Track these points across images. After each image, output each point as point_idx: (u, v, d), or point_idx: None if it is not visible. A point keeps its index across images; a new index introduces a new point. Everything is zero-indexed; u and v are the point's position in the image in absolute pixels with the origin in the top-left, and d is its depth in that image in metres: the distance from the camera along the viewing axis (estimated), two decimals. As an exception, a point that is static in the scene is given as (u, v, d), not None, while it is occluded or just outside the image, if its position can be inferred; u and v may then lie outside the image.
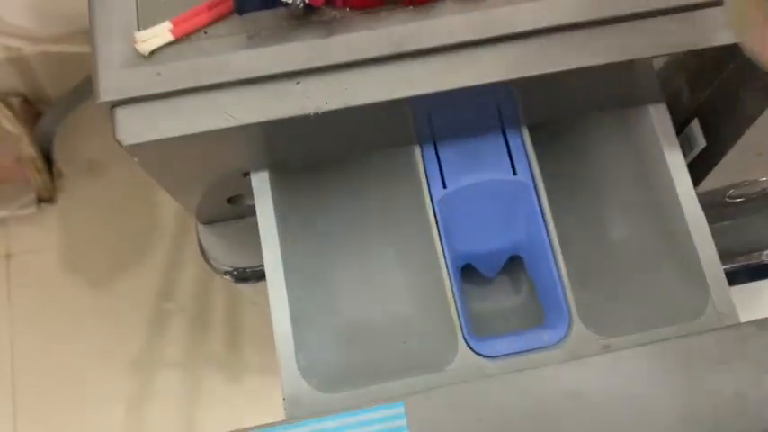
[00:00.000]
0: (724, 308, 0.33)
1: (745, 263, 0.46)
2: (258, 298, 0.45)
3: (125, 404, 0.84)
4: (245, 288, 0.43)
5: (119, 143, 0.30)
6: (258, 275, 0.42)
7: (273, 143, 0.33)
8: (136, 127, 0.30)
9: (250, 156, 0.34)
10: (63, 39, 0.81)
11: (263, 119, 0.30)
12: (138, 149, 0.30)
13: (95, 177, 0.94)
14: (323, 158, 0.36)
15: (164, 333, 0.88)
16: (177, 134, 0.30)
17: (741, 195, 0.41)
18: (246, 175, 0.35)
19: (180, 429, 0.83)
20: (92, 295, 0.89)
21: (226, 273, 0.42)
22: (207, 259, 0.42)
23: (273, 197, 0.35)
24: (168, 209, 0.92)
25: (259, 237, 0.40)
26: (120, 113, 0.30)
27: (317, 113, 0.30)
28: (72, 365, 0.85)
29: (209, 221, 0.42)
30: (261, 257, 0.41)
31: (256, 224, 0.41)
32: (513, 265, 0.38)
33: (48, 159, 0.89)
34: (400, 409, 0.27)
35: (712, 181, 0.38)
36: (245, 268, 0.42)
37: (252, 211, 0.41)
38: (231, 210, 0.40)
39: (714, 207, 0.39)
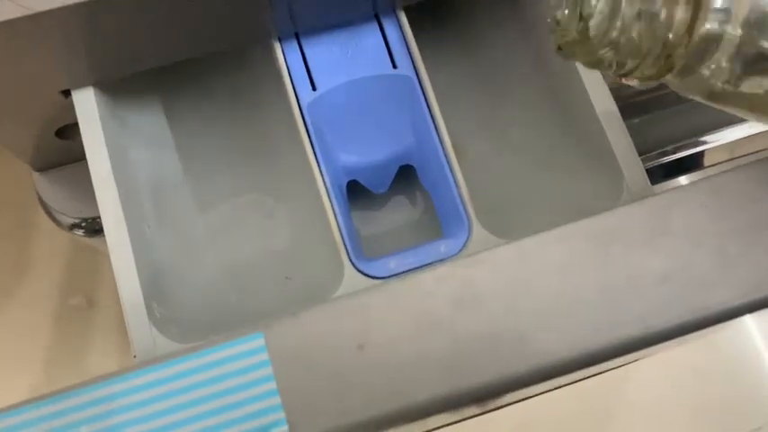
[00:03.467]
0: (640, 192, 0.29)
1: (655, 161, 0.43)
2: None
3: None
4: (101, 242, 0.36)
5: None
6: (113, 225, 0.35)
7: (87, 43, 0.26)
8: None
9: (63, 64, 0.27)
10: None
11: (58, 4, 0.24)
12: None
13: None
14: (160, 63, 0.30)
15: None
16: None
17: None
18: (68, 95, 0.29)
19: None
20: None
21: (73, 226, 0.35)
22: (50, 213, 0.35)
23: (103, 121, 0.29)
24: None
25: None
26: None
27: (128, -6, 0.24)
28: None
29: (45, 166, 0.35)
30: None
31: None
32: (404, 176, 0.33)
33: None
34: (260, 341, 0.21)
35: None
36: (95, 218, 0.35)
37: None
38: (66, 149, 0.33)
39: (618, 101, 0.35)
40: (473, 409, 0.25)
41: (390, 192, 0.33)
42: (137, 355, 0.26)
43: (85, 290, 0.82)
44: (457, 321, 0.22)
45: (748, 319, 0.76)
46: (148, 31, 0.27)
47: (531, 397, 0.37)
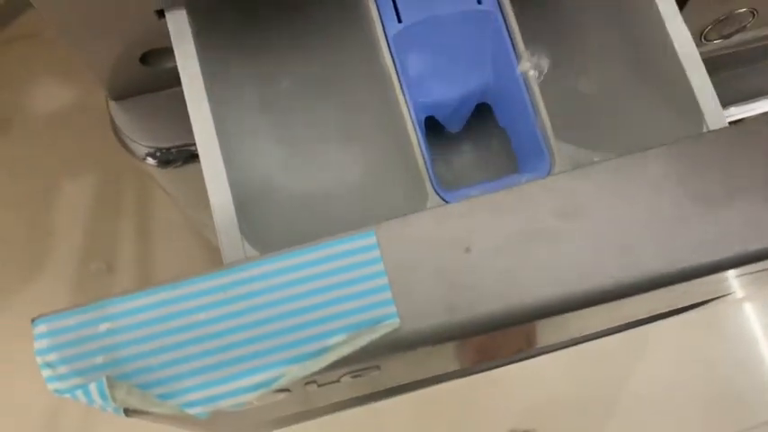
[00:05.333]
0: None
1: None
2: (177, 187, 0.39)
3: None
4: (166, 175, 0.37)
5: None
6: (185, 156, 0.36)
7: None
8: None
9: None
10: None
11: None
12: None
13: (2, 135, 0.86)
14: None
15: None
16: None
17: (719, 37, 0.37)
18: (162, 16, 0.29)
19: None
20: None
21: (147, 155, 0.36)
22: (122, 140, 0.36)
23: (196, 45, 0.29)
24: (80, 162, 0.84)
25: (182, 111, 0.35)
26: None
27: None
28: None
29: (122, 95, 0.35)
30: (184, 136, 0.35)
31: (176, 96, 0.35)
32: (478, 118, 0.34)
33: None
34: (372, 239, 0.22)
35: (689, 15, 0.34)
36: (168, 148, 0.36)
37: (170, 82, 0.35)
38: (147, 76, 0.34)
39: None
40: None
41: (463, 131, 0.34)
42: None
43: (105, 255, 0.83)
44: (561, 230, 0.22)
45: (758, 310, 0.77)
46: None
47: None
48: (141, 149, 0.36)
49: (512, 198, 0.22)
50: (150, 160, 0.36)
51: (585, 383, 0.76)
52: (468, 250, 0.22)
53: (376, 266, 0.21)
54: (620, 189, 0.23)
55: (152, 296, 0.21)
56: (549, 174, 0.29)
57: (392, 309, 0.21)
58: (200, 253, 0.78)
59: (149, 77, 0.34)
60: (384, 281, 0.21)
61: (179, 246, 0.79)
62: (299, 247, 0.22)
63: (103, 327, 0.21)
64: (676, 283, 0.23)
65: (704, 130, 0.29)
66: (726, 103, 0.42)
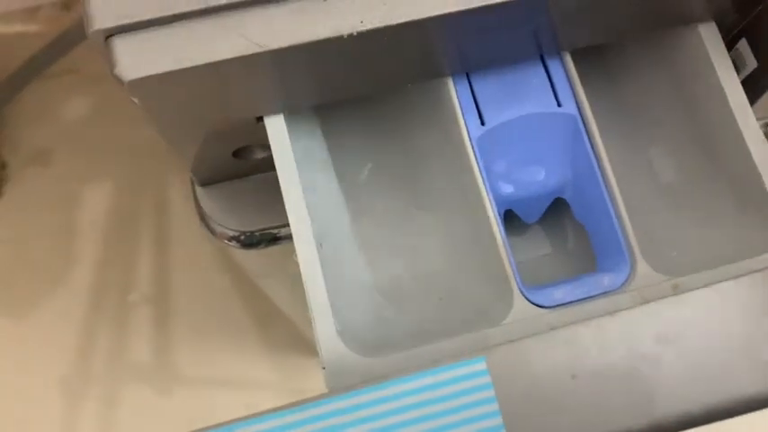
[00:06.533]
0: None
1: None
2: (265, 265, 0.41)
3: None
4: (250, 257, 0.38)
5: (118, 80, 0.26)
6: (268, 239, 0.37)
7: (294, 76, 0.29)
8: (139, 58, 0.25)
9: (267, 94, 0.29)
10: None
11: (289, 43, 0.26)
12: (140, 86, 0.26)
13: (43, 167, 0.88)
14: (343, 95, 0.32)
15: (130, 330, 0.83)
16: (188, 65, 0.25)
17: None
18: (260, 120, 0.31)
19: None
20: (45, 291, 0.83)
21: (231, 238, 0.37)
22: (208, 224, 0.37)
23: (292, 144, 0.31)
24: (120, 197, 0.86)
25: (265, 196, 0.37)
26: (119, 43, 0.25)
27: (351, 35, 0.26)
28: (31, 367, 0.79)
29: (208, 182, 0.37)
30: (268, 219, 0.37)
31: (260, 182, 0.37)
32: (552, 210, 0.35)
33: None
34: (482, 365, 0.23)
35: (763, 107, 0.35)
36: (252, 232, 0.37)
37: (256, 168, 0.37)
38: (235, 166, 0.35)
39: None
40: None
41: (537, 223, 0.35)
42: (326, 367, 0.28)
43: (139, 285, 0.84)
44: (662, 355, 0.23)
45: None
46: (344, 68, 0.29)
47: None
48: (226, 232, 0.37)
49: (615, 324, 0.24)
50: (234, 243, 0.37)
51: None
52: (574, 377, 0.23)
53: (486, 392, 0.23)
54: (715, 315, 0.24)
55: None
56: (629, 275, 0.30)
57: (504, 434, 0.22)
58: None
59: (237, 168, 0.35)
60: (495, 407, 0.23)
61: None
62: (409, 374, 0.23)
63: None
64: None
65: (782, 234, 0.30)
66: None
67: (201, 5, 0.26)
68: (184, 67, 0.25)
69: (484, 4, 0.26)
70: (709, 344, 0.24)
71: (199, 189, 0.37)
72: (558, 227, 0.36)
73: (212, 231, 0.37)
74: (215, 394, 0.79)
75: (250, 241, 0.37)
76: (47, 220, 0.85)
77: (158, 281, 0.84)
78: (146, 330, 0.82)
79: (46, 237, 0.85)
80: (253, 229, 0.37)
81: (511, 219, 0.35)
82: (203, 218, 0.37)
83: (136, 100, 0.27)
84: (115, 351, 0.81)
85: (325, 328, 0.29)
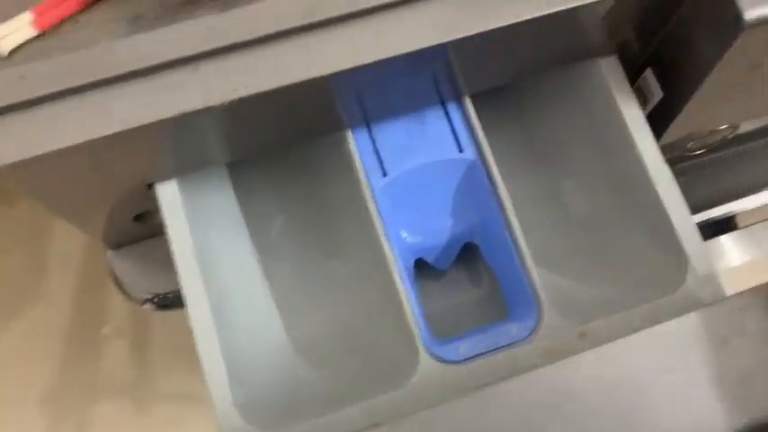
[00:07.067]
0: (705, 275, 0.29)
1: (706, 218, 0.44)
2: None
3: None
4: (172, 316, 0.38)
5: (-14, 165, 0.25)
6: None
7: (175, 146, 0.28)
8: (4, 145, 0.25)
9: (150, 164, 0.29)
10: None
11: (159, 117, 0.25)
12: (13, 171, 0.25)
13: (8, 207, 0.87)
14: (236, 157, 0.31)
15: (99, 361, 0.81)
16: (55, 147, 0.25)
17: (701, 147, 0.38)
18: (150, 187, 0.30)
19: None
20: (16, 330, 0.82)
21: (145, 301, 0.37)
22: (122, 288, 0.37)
23: (186, 210, 0.30)
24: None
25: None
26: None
27: (223, 104, 0.25)
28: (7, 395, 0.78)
29: (118, 245, 0.36)
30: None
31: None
32: (467, 254, 0.34)
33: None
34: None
35: (672, 134, 0.34)
36: (166, 294, 0.37)
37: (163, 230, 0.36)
38: (141, 229, 0.35)
39: (673, 163, 0.36)
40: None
41: (453, 268, 0.35)
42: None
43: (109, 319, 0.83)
44: (556, 421, 0.23)
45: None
46: (229, 134, 0.28)
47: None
48: (140, 295, 0.37)
49: (500, 393, 0.23)
50: (149, 306, 0.37)
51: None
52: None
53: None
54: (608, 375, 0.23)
55: None
56: (537, 323, 0.30)
57: None
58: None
59: (143, 230, 0.35)
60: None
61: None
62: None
63: None
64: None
65: (689, 272, 0.30)
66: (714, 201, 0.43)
67: (65, 85, 0.25)
68: (50, 150, 0.24)
69: (353, 65, 0.25)
70: (603, 402, 0.23)
71: (110, 252, 0.36)
72: (475, 271, 0.35)
73: (127, 294, 0.37)
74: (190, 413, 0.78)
75: (164, 303, 0.37)
76: (16, 259, 0.84)
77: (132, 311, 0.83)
78: (121, 355, 0.81)
79: (10, 276, 0.83)
80: (166, 291, 0.36)
81: (423, 266, 0.34)
82: (117, 282, 0.36)
83: (15, 184, 0.26)
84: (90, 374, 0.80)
85: (220, 402, 0.28)
